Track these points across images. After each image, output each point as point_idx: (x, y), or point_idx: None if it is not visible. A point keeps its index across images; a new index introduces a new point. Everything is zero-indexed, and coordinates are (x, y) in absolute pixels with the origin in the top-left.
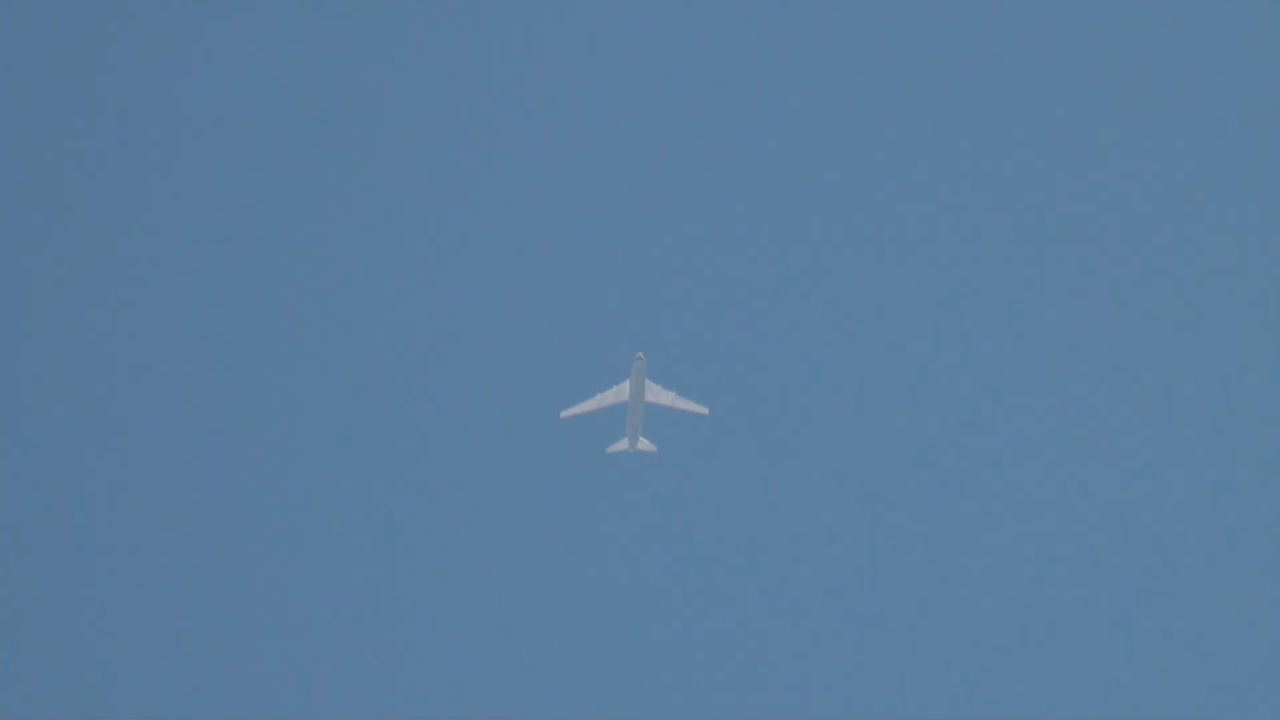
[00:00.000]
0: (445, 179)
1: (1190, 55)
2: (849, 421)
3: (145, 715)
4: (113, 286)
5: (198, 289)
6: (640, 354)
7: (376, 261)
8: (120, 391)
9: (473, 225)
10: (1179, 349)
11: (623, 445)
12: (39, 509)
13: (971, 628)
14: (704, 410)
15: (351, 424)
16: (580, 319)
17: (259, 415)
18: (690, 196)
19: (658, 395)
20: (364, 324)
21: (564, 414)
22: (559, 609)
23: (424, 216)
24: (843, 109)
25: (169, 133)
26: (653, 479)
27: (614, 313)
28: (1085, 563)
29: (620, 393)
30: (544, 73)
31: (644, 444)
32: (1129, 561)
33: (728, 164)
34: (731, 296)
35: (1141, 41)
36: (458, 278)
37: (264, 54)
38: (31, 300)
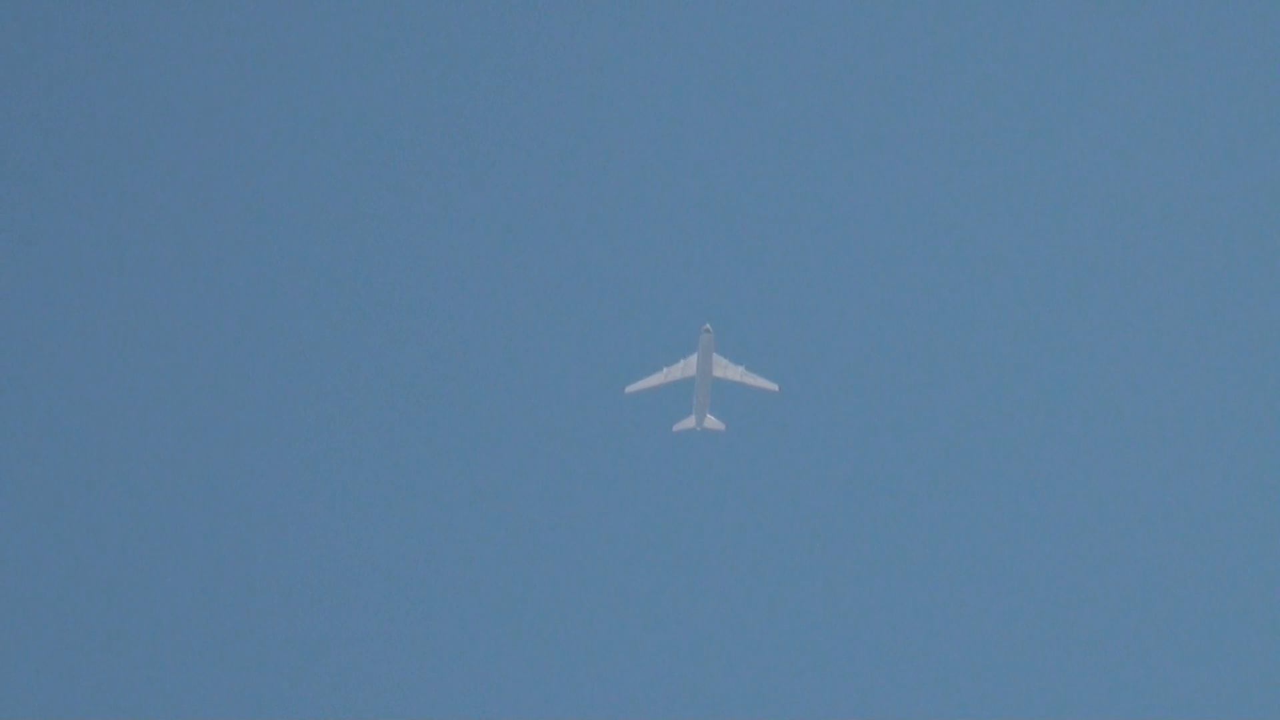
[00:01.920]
0: (516, 151)
1: (1191, 55)
2: (923, 400)
3: (145, 715)
4: (111, 286)
5: (229, 289)
6: (708, 326)
7: (437, 233)
8: (120, 391)
9: (540, 197)
10: (1183, 349)
11: (689, 423)
12: (39, 509)
13: (1015, 625)
14: (775, 387)
15: (411, 400)
16: (647, 289)
17: (322, 392)
18: (768, 171)
19: (726, 370)
20: (424, 295)
21: (629, 389)
22: (621, 592)
23: (490, 186)
24: (907, 87)
25: (166, 132)
26: (721, 459)
27: (682, 283)
28: (1127, 563)
29: (687, 367)
30: (625, 51)
31: (712, 421)
32: (1143, 562)
33: (797, 144)
34: (804, 269)
35: (1142, 42)
36: (521, 249)
37: (264, 54)
38: (30, 300)
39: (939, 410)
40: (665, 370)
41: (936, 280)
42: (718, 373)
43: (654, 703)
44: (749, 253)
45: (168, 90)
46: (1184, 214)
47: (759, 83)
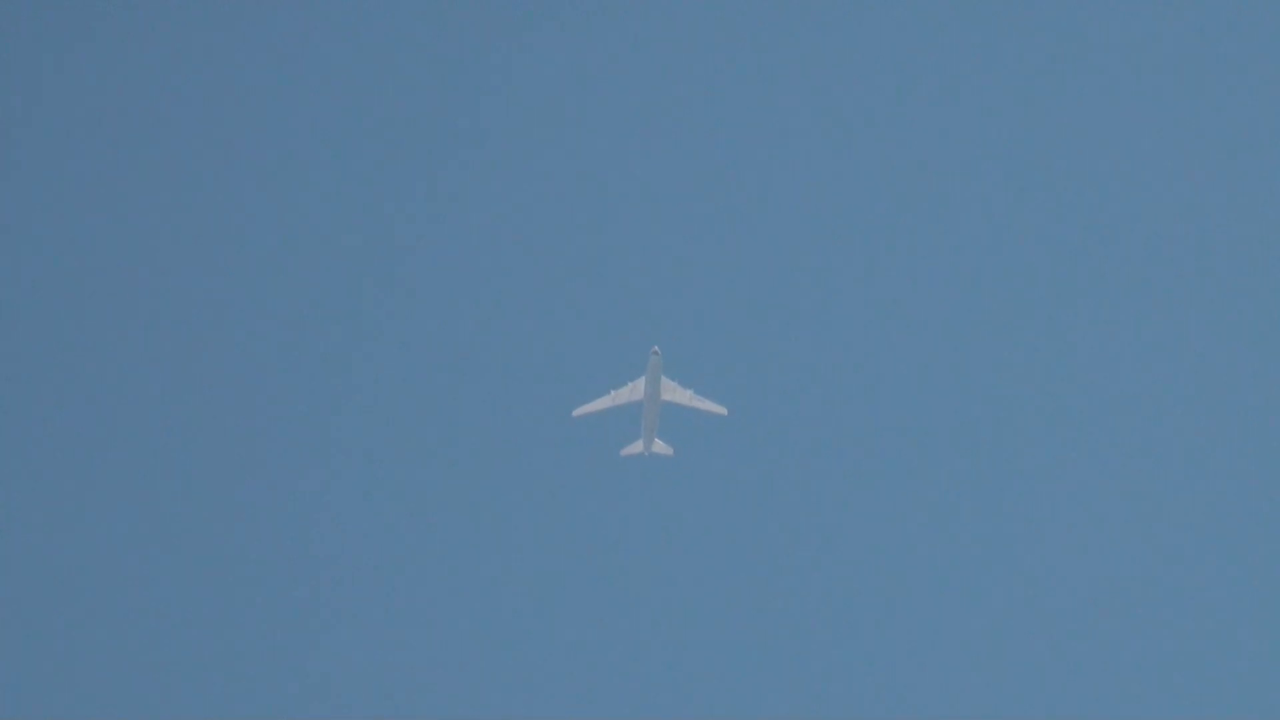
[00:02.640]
0: (455, 173)
1: (1190, 55)
2: (873, 424)
3: (145, 715)
4: (109, 286)
5: (227, 291)
6: (656, 348)
7: (381, 256)
8: (119, 391)
9: (483, 218)
10: (1185, 350)
11: (637, 447)
12: (39, 509)
13: (991, 629)
14: (723, 410)
15: (355, 424)
16: (593, 311)
17: (261, 417)
18: (713, 190)
19: (675, 394)
20: (369, 320)
21: (576, 413)
22: (568, 618)
23: (430, 210)
24: (865, 104)
25: (162, 132)
26: (669, 484)
27: (629, 306)
28: (1129, 568)
29: (635, 390)
30: (554, 68)
31: (660, 446)
32: (1143, 564)
33: (748, 159)
34: (751, 291)
35: (1141, 42)
36: (465, 270)
37: (263, 54)
38: (30, 300)
39: (893, 434)
40: (613, 393)
41: (892, 303)
42: (666, 396)
43: None
44: (696, 276)
45: (166, 90)
46: (1180, 215)
47: (709, 111)
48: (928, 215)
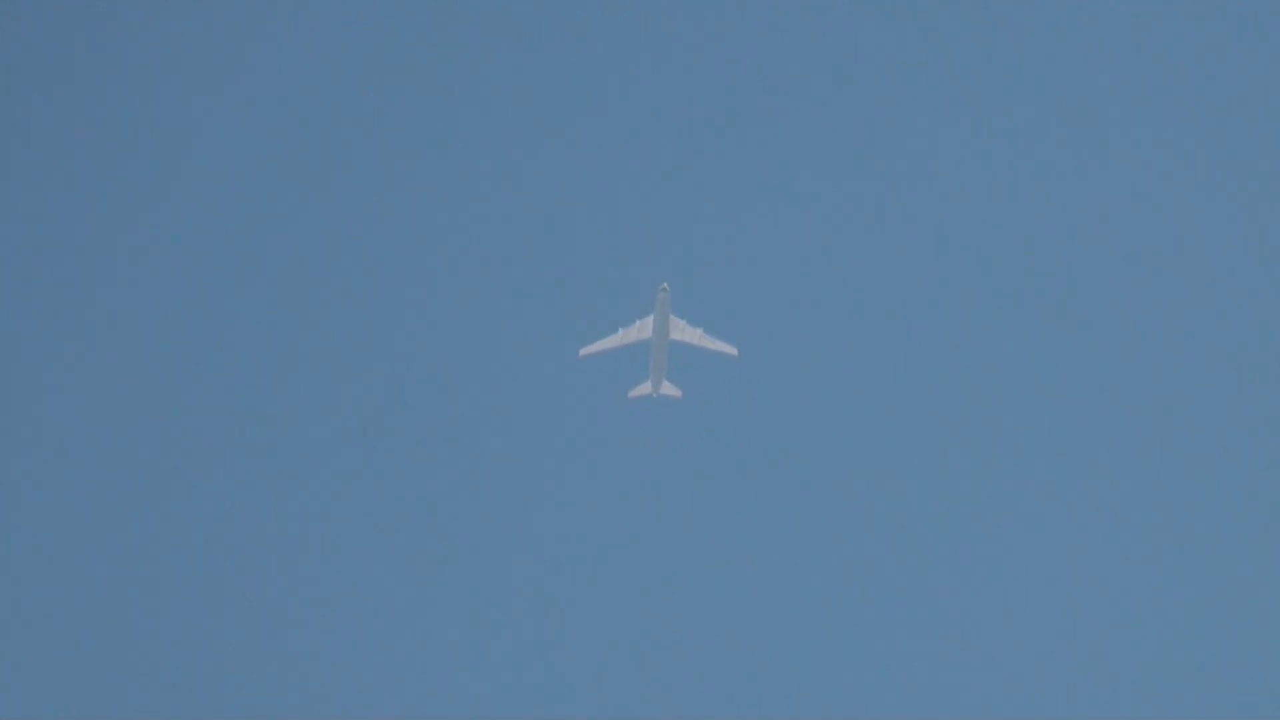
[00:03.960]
0: (465, 116)
1: (1190, 55)
2: (887, 367)
3: (145, 715)
4: (103, 286)
5: (200, 281)
6: (665, 284)
7: (390, 195)
8: (109, 390)
9: (492, 157)
10: (1184, 352)
11: (645, 389)
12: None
13: (988, 616)
14: (734, 351)
15: (365, 364)
16: (600, 245)
17: (275, 378)
18: (729, 128)
19: (684, 333)
20: (373, 259)
21: (582, 352)
22: (575, 569)
23: (440, 150)
24: (900, 77)
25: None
26: (677, 427)
27: (637, 239)
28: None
29: (643, 329)
30: (584, 45)
31: (668, 388)
32: (1136, 568)
33: (763, 116)
34: (764, 226)
35: (1142, 42)
36: (467, 207)
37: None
38: (27, 300)
39: (905, 382)
40: (621, 332)
41: (905, 255)
42: (675, 335)
43: (611, 683)
44: (708, 209)
45: (161, 90)
46: (1185, 218)
47: (725, 62)
48: (942, 163)
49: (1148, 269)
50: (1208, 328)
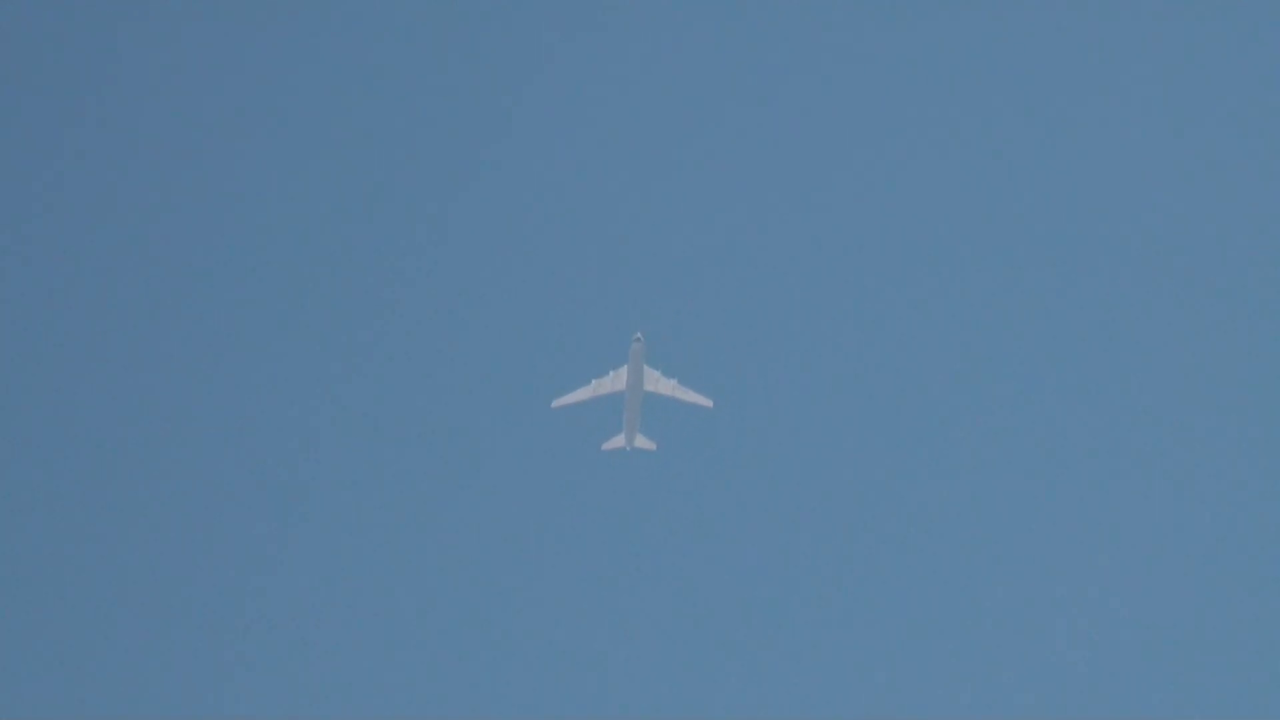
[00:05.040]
0: (434, 161)
1: (1190, 56)
2: (866, 418)
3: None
4: (95, 286)
5: (174, 285)
6: (639, 335)
7: (358, 250)
8: (97, 390)
9: (462, 209)
10: (1179, 351)
11: (619, 441)
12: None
13: (971, 626)
14: (709, 403)
15: (334, 417)
16: (573, 297)
17: (243, 410)
18: (699, 174)
19: (658, 384)
20: (348, 312)
21: (555, 404)
22: (545, 619)
23: (407, 202)
24: (849, 102)
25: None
26: (651, 481)
27: (611, 291)
28: (1099, 562)
29: (617, 380)
30: (539, 61)
31: (642, 441)
32: (1131, 561)
33: (737, 147)
34: (738, 278)
35: (1142, 42)
36: (443, 258)
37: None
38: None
39: (885, 430)
40: (594, 383)
41: (878, 295)
42: (649, 386)
43: None
44: (681, 261)
45: (160, 90)
46: (1184, 218)
47: (692, 88)
48: (915, 208)
49: (1135, 270)
50: (1207, 328)
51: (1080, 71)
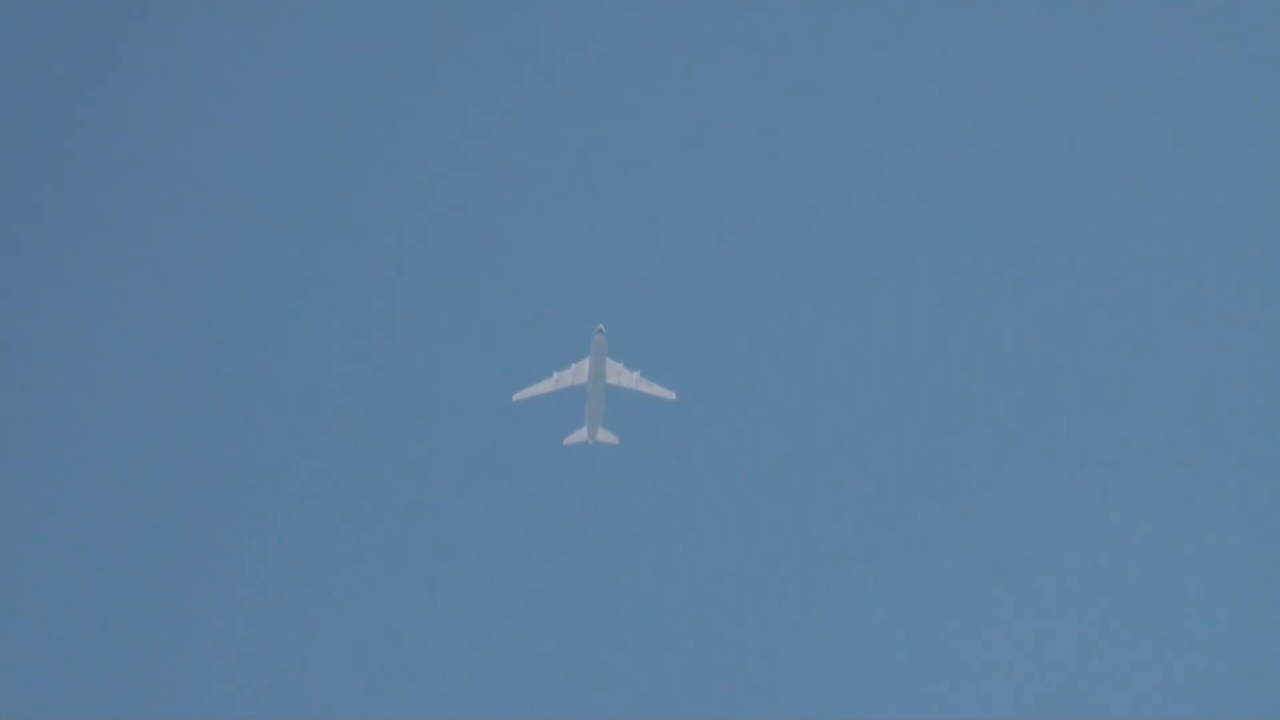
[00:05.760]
0: (396, 153)
1: (1190, 56)
2: (831, 411)
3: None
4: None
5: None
6: (601, 326)
7: (321, 239)
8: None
9: (424, 197)
10: (1176, 352)
11: (581, 435)
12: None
13: (936, 622)
14: (672, 395)
15: (292, 409)
16: (534, 287)
17: (202, 407)
18: (662, 168)
19: (620, 377)
20: (305, 304)
21: (515, 397)
22: (506, 616)
23: (368, 192)
24: (798, 97)
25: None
26: (614, 476)
27: (573, 281)
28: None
29: (579, 372)
30: (497, 52)
31: (605, 435)
32: (1115, 562)
33: (699, 138)
34: (702, 267)
35: (1142, 43)
36: (403, 249)
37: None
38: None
39: (847, 428)
40: (555, 375)
41: (843, 287)
42: (611, 379)
43: None
44: (645, 249)
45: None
46: (1182, 218)
47: (657, 106)
48: (880, 199)
49: (1144, 273)
50: (1206, 328)
51: (1077, 72)
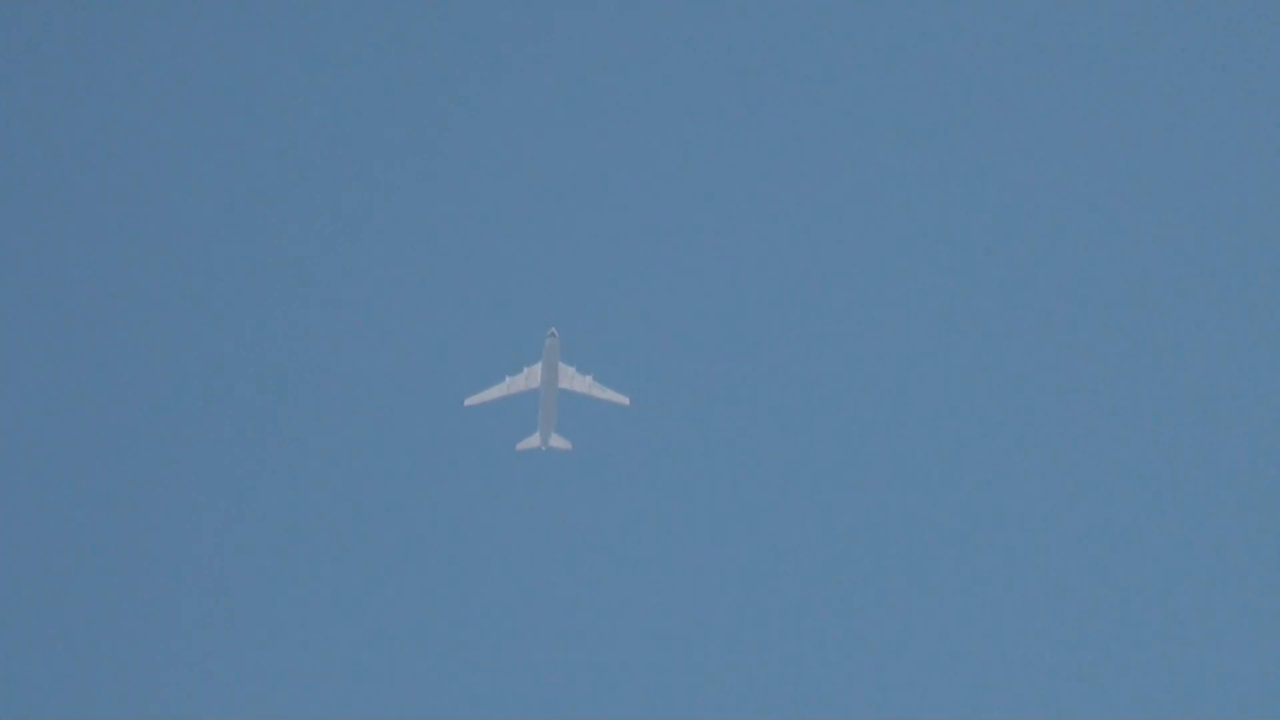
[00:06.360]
0: (354, 152)
1: (1189, 56)
2: (787, 415)
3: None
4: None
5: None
6: (553, 330)
7: (277, 236)
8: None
9: (380, 196)
10: (1173, 351)
11: (534, 441)
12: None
13: (934, 627)
14: (626, 400)
15: (241, 414)
16: (486, 290)
17: (158, 408)
18: (620, 168)
19: (573, 381)
20: (260, 300)
21: (467, 402)
22: (458, 621)
23: (329, 188)
24: (788, 96)
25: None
26: (567, 481)
27: (525, 285)
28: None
29: (531, 377)
30: (460, 51)
31: (558, 440)
32: (1120, 561)
33: (655, 138)
34: (658, 270)
35: (1142, 43)
36: (356, 249)
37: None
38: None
39: (804, 426)
40: (508, 380)
41: (799, 289)
42: (564, 383)
43: None
44: (598, 250)
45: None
46: (1181, 218)
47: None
48: (839, 197)
49: (1141, 272)
50: (1206, 328)
51: (1077, 71)
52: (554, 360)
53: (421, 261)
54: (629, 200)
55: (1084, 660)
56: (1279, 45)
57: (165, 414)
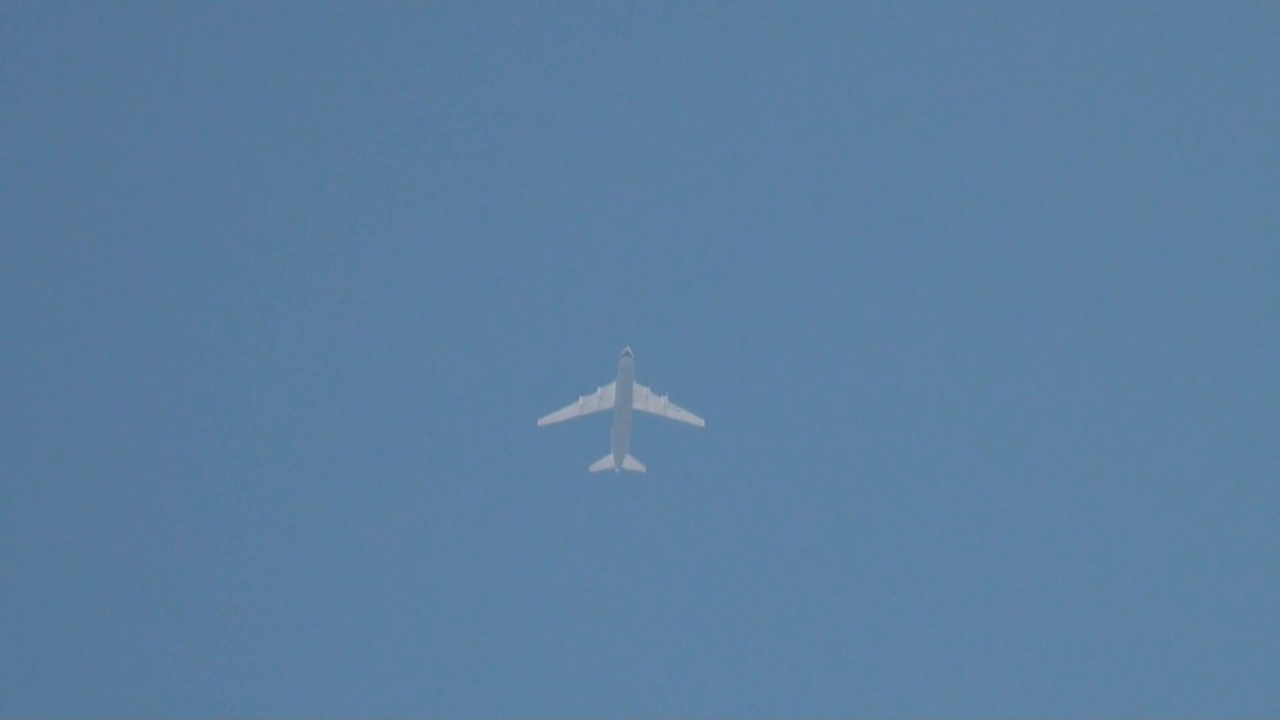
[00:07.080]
0: (422, 166)
1: (1189, 55)
2: (859, 437)
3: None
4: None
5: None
6: (628, 349)
7: (346, 253)
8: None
9: (447, 216)
10: (1174, 351)
11: (607, 463)
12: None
13: (973, 641)
14: (701, 422)
15: (315, 432)
16: (561, 309)
17: (233, 415)
18: (695, 188)
19: (648, 402)
20: (331, 319)
21: (540, 422)
22: (531, 641)
23: (391, 208)
24: (844, 111)
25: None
26: (640, 504)
27: (600, 304)
28: (1086, 565)
29: (605, 397)
30: (528, 68)
31: (631, 462)
32: (1120, 562)
33: (729, 159)
34: (732, 291)
35: (1141, 42)
36: (428, 269)
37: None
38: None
39: (875, 457)
40: (581, 400)
41: (876, 312)
42: (638, 404)
43: None
44: (673, 272)
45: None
46: (1180, 218)
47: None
48: (912, 218)
49: (1140, 272)
50: (1206, 329)
51: (1077, 72)
52: (628, 381)
53: (498, 281)
54: (712, 222)
55: (1084, 660)
56: (1278, 45)
57: (237, 420)
